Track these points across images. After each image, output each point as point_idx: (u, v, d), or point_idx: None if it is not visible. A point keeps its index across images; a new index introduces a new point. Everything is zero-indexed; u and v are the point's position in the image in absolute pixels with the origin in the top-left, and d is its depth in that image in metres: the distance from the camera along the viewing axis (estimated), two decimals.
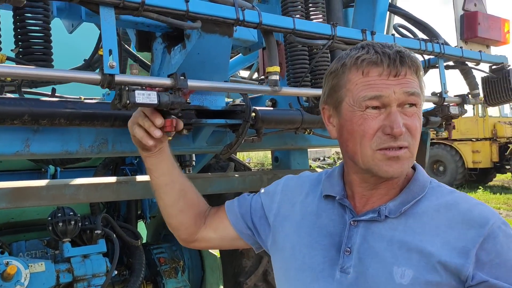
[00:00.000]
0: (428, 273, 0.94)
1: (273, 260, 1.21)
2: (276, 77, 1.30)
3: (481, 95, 2.02)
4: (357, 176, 1.07)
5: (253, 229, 1.26)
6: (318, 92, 1.47)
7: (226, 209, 1.29)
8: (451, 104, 1.84)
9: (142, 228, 3.62)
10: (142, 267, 2.85)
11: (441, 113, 1.81)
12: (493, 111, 18.06)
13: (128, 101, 1.00)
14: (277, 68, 1.30)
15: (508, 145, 16.09)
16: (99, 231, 2.62)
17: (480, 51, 1.90)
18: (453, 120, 1.94)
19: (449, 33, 1.96)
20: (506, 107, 18.96)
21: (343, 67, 1.03)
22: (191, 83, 1.14)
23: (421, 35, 1.90)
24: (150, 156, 1.22)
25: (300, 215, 1.16)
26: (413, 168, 1.09)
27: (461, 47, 1.86)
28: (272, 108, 1.81)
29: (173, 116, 1.13)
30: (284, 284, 1.15)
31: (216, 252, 3.27)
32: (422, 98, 1.02)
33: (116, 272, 2.67)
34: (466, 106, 1.89)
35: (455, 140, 17.77)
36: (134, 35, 1.68)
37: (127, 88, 1.01)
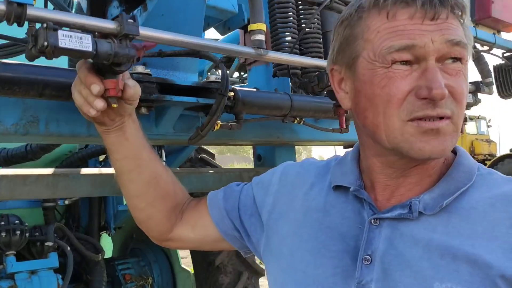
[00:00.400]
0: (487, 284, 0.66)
1: (267, 270, 0.92)
2: (261, 37, 1.00)
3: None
4: (379, 160, 0.80)
5: (241, 231, 0.98)
6: (313, 61, 1.17)
7: (209, 202, 1.02)
8: None
9: (108, 241, 3.29)
10: (102, 285, 2.51)
11: None
12: (470, 128, 18.40)
13: (46, 44, 0.69)
14: (262, 26, 1.00)
15: (485, 162, 16.39)
16: (50, 243, 2.28)
17: (494, 33, 1.65)
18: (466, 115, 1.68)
19: None
20: (483, 124, 19.36)
21: (360, 11, 0.76)
22: (145, 31, 0.84)
23: None
24: (108, 133, 0.93)
25: (302, 212, 0.88)
26: (453, 151, 0.82)
27: (475, 27, 1.60)
28: (254, 89, 1.51)
29: (119, 76, 0.82)
30: None
31: (190, 268, 2.95)
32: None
33: None
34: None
35: None
36: None
37: (45, 26, 0.69)
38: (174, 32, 0.95)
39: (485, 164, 18.27)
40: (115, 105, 0.83)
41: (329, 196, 0.86)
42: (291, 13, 1.26)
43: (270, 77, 1.61)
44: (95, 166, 2.75)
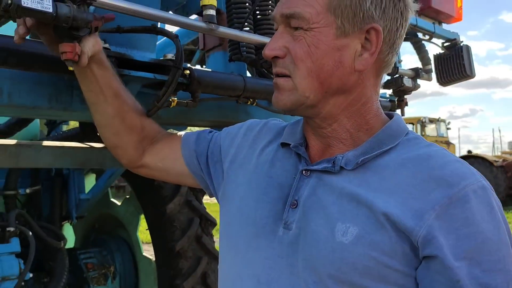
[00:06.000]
0: (375, 232, 0.77)
1: (221, 213, 1.02)
2: (212, 12, 1.10)
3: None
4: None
5: (206, 174, 1.08)
6: (262, 38, 1.27)
7: (182, 143, 1.11)
8: (404, 77, 1.71)
9: (70, 232, 3.30)
10: (64, 271, 2.53)
11: (395, 85, 1.68)
12: (430, 131, 18.98)
13: (10, 2, 0.76)
14: (213, 1, 1.10)
15: None
16: (12, 229, 2.29)
17: (434, 23, 1.80)
18: (406, 98, 1.81)
19: None
20: (443, 127, 19.99)
21: None
22: None
23: None
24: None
25: (255, 164, 0.98)
26: (391, 117, 0.92)
27: (416, 17, 1.75)
28: (210, 70, 1.59)
29: (75, 41, 0.89)
30: (225, 241, 0.96)
31: (151, 256, 3.00)
32: (325, 18, 0.82)
33: (31, 275, 2.34)
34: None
35: None
36: None
37: None
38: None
39: None
40: (71, 68, 0.90)
41: (278, 152, 0.96)
42: None
43: (227, 63, 1.70)
44: None
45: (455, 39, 1.87)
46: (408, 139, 0.88)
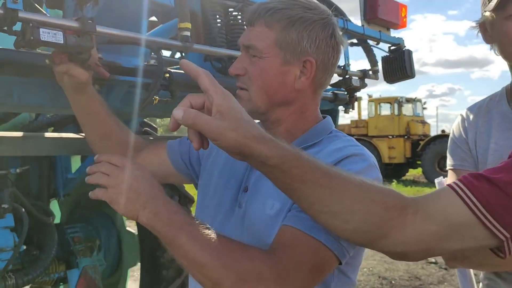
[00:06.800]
0: (291, 206, 1.04)
1: (198, 198, 1.30)
2: (187, 33, 1.36)
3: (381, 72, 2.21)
4: None
5: (191, 170, 1.35)
6: (231, 52, 1.55)
7: (168, 147, 1.37)
8: (353, 77, 2.00)
9: (56, 210, 3.52)
10: (54, 244, 2.78)
11: (344, 85, 1.98)
12: (407, 110, 19.42)
13: (32, 38, 1.01)
14: (188, 25, 1.35)
15: (420, 142, 17.32)
16: (6, 205, 2.52)
17: (380, 31, 2.08)
18: (356, 94, 2.12)
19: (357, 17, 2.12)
20: (419, 107, 20.49)
21: None
22: (100, 28, 1.17)
23: None
24: (70, 94, 1.26)
25: (225, 158, 1.23)
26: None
27: (363, 26, 2.03)
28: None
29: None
30: (199, 214, 1.25)
31: (134, 230, 3.27)
32: (273, 51, 1.09)
33: (24, 247, 2.58)
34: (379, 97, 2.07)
35: (374, 136, 18.86)
36: None
37: (31, 24, 1.01)
38: (121, 28, 1.29)
39: (419, 144, 19.07)
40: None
41: None
42: (218, 13, 1.61)
43: (203, 62, 1.96)
44: None
45: (399, 44, 2.17)
46: (330, 137, 1.16)
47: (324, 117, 1.22)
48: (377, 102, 19.42)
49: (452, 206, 0.87)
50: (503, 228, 0.85)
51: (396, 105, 18.94)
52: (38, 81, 1.39)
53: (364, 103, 19.87)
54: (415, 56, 2.21)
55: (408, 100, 19.49)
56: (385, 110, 19.50)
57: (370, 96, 19.81)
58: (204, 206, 1.25)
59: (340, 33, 1.15)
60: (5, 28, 1.00)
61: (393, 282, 5.49)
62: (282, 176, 0.88)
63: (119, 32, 1.23)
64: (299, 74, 1.11)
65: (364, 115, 20.54)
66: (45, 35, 1.03)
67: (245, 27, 1.82)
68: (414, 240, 0.88)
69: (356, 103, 2.26)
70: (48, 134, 1.58)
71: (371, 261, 6.25)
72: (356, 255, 1.07)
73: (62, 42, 1.06)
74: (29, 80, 1.38)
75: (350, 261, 1.05)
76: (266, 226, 1.05)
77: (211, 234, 0.95)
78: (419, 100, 20.46)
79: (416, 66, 2.19)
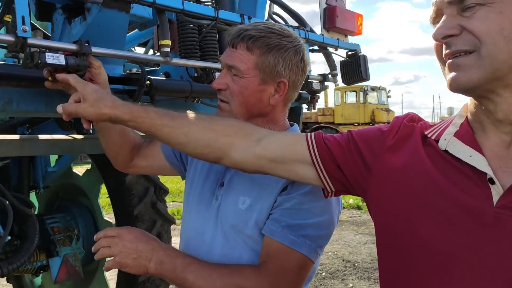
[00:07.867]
0: (261, 202, 1.24)
1: (185, 190, 1.48)
2: (168, 49, 1.56)
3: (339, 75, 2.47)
4: None
5: (181, 164, 1.53)
6: (205, 64, 1.76)
7: (162, 144, 1.53)
8: (314, 81, 2.25)
9: (34, 201, 3.63)
10: (36, 234, 2.92)
11: (306, 88, 2.21)
12: (372, 98, 19.94)
13: (39, 61, 1.19)
14: (168, 42, 1.56)
15: None
16: None
17: (338, 39, 2.33)
18: (317, 95, 2.36)
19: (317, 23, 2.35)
20: (384, 95, 21.05)
21: None
22: (94, 49, 1.36)
23: (292, 22, 2.27)
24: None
25: None
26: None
27: (322, 35, 2.27)
28: (165, 78, 2.05)
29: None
30: (184, 208, 1.45)
31: (112, 220, 3.43)
32: (253, 72, 1.25)
33: (9, 238, 2.72)
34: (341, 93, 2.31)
35: (340, 124, 19.30)
36: (34, 4, 1.80)
37: (38, 50, 1.20)
38: (106, 41, 1.48)
39: None
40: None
41: None
42: (191, 29, 1.82)
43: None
44: (22, 133, 3.12)
45: (355, 50, 2.42)
46: None
47: (291, 125, 1.44)
48: (343, 90, 19.85)
49: (296, 144, 1.11)
50: (329, 178, 1.07)
51: (361, 94, 19.43)
52: (35, 90, 1.57)
53: (331, 92, 20.24)
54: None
55: (373, 89, 19.99)
56: (351, 98, 19.97)
57: (336, 84, 20.19)
58: (189, 196, 1.45)
59: (308, 55, 1.36)
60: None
61: (356, 264, 5.83)
62: (139, 126, 1.19)
63: (111, 52, 1.43)
64: (273, 92, 1.28)
65: (331, 103, 20.94)
66: (50, 58, 1.22)
67: (216, 42, 2.02)
68: (251, 162, 1.14)
69: (322, 93, 2.51)
70: (42, 136, 1.75)
71: (335, 245, 6.62)
72: None
73: (64, 63, 1.25)
74: (27, 89, 1.55)
75: None
76: (237, 218, 1.27)
77: (208, 265, 1.19)
78: (384, 89, 20.99)
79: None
